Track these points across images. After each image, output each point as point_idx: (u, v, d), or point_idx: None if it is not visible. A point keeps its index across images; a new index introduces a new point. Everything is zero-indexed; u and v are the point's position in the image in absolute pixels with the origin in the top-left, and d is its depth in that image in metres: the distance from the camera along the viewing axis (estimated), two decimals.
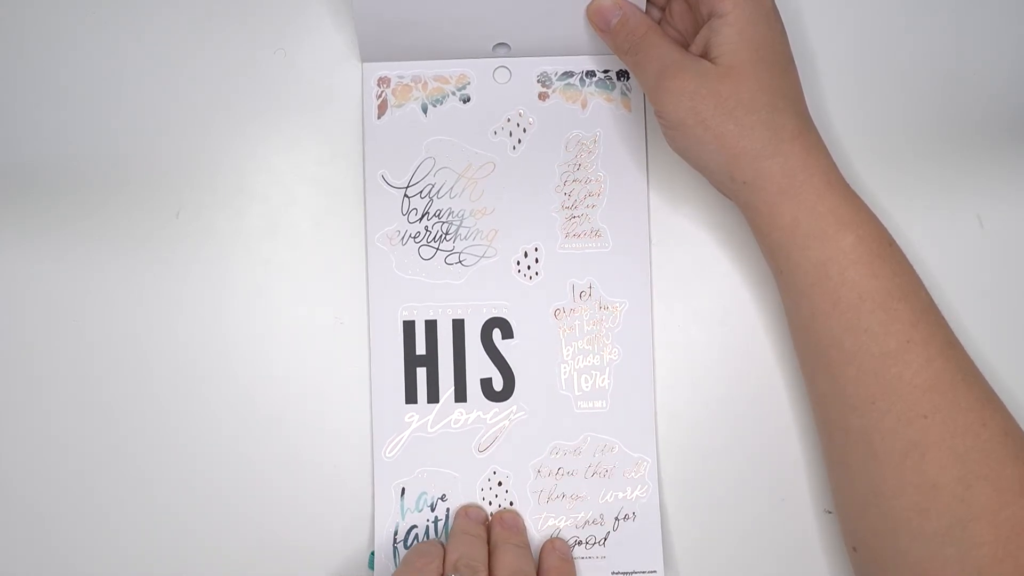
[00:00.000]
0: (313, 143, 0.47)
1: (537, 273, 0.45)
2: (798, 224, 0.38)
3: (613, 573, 0.44)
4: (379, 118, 0.46)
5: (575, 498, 0.44)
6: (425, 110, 0.45)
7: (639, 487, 0.44)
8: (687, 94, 0.39)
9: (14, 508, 0.45)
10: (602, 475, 0.44)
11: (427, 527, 0.45)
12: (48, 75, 0.48)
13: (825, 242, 0.38)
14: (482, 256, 0.45)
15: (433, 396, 0.45)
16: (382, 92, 0.45)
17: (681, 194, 0.46)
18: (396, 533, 0.45)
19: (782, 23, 0.41)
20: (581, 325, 0.45)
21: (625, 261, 0.45)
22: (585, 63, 0.46)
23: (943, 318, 0.39)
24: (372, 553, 0.45)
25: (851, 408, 0.38)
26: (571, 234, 0.45)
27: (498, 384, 0.45)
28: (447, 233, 0.45)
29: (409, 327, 0.45)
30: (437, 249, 0.45)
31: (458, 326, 0.45)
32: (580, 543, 0.44)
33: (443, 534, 0.45)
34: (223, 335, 0.46)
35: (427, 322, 0.45)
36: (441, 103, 0.45)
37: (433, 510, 0.45)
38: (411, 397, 0.45)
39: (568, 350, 0.45)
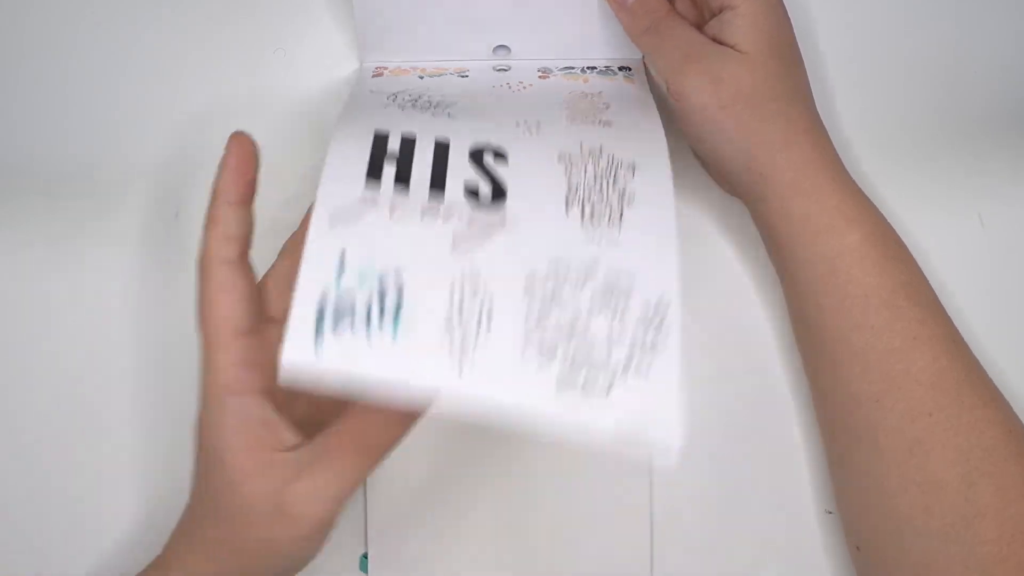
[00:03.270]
0: (313, 143, 0.47)
1: (541, 132, 0.38)
2: (808, 219, 0.38)
3: (617, 420, 0.32)
4: (373, 78, 0.43)
5: (572, 330, 0.32)
6: (422, 78, 0.43)
7: (657, 334, 0.33)
8: (710, 78, 0.38)
9: (13, 510, 0.45)
10: (613, 312, 0.33)
11: (369, 308, 0.31)
12: (48, 75, 0.47)
13: (833, 238, 0.38)
14: (475, 117, 0.39)
15: (402, 182, 0.35)
16: (380, 72, 0.45)
17: (683, 192, 0.46)
18: (323, 305, 0.31)
19: (789, 18, 0.41)
20: (590, 171, 0.36)
21: (639, 139, 0.38)
22: (586, 61, 0.45)
23: (948, 316, 0.39)
24: (364, 555, 0.44)
25: (856, 405, 0.38)
26: (576, 120, 0.39)
27: (485, 189, 0.35)
28: (437, 105, 0.40)
29: (380, 140, 0.36)
30: (426, 110, 0.39)
31: (441, 148, 0.36)
32: (573, 386, 0.32)
33: (393, 326, 0.31)
34: None
35: (404, 138, 0.36)
36: (439, 77, 0.44)
37: (382, 285, 0.32)
38: (374, 174, 0.35)
39: (574, 186, 0.36)
